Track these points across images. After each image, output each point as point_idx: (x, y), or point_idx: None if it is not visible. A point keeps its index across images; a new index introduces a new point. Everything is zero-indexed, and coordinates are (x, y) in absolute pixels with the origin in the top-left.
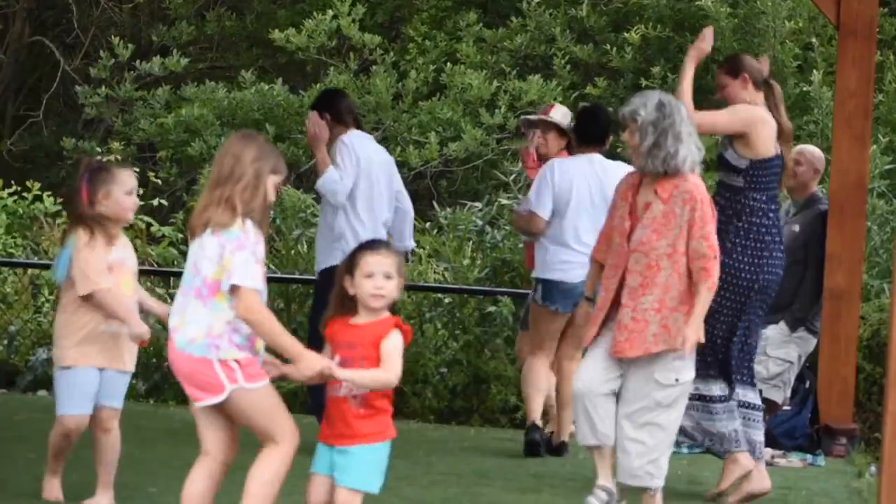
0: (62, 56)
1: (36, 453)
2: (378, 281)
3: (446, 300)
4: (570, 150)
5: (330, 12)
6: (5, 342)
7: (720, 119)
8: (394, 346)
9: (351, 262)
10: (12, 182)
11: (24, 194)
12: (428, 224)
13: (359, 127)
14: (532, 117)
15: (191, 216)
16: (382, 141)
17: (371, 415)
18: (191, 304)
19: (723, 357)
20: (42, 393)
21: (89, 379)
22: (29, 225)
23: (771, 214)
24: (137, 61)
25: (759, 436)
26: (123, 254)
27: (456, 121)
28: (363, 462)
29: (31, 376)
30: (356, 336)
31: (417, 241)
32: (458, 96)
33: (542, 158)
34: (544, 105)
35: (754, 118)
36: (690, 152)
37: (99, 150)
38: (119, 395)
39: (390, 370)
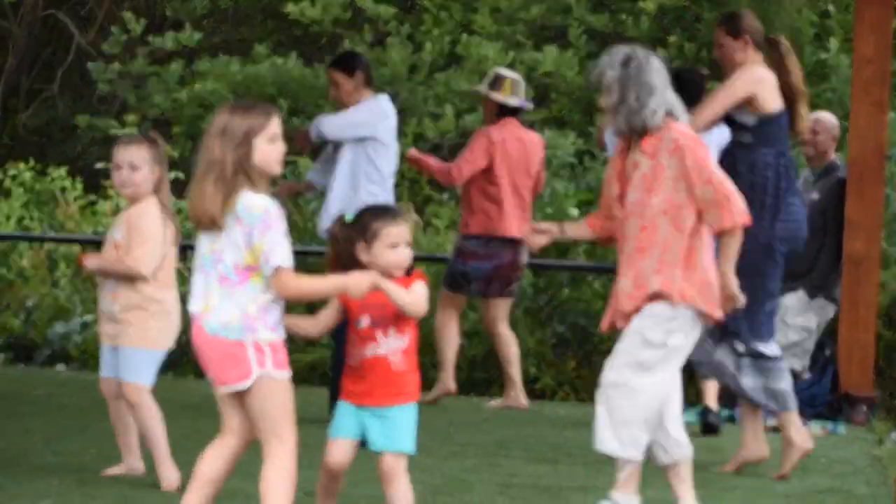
0: (76, 29)
1: (54, 426)
2: (403, 251)
3: None
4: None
5: None
6: (22, 317)
7: (720, 103)
8: (422, 287)
9: (367, 231)
10: (29, 158)
11: (45, 171)
12: (446, 195)
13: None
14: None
15: (192, 204)
16: (399, 113)
17: (411, 370)
18: (215, 288)
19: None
20: (60, 367)
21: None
22: (45, 200)
23: (781, 170)
24: (150, 36)
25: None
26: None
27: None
28: (405, 423)
29: (49, 351)
30: (384, 296)
31: (435, 213)
32: (474, 67)
33: None
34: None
35: (751, 81)
36: (665, 102)
37: (116, 124)
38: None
39: (405, 298)
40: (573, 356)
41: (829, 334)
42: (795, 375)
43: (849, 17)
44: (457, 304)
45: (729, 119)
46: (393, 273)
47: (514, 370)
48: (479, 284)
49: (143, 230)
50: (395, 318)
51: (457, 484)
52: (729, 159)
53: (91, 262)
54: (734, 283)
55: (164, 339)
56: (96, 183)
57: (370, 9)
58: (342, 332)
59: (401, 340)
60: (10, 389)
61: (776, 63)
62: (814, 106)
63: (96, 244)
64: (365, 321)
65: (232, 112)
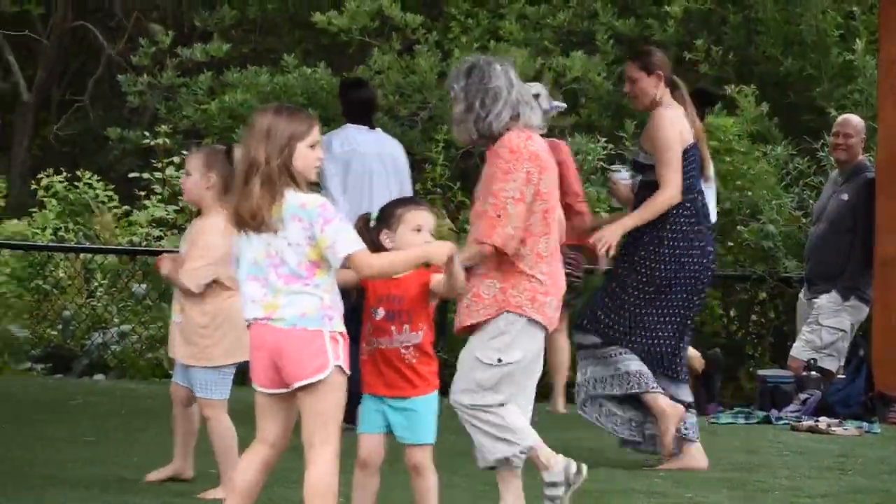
0: (105, 40)
1: (94, 436)
2: (427, 235)
3: None
4: None
5: None
6: (60, 327)
7: (674, 142)
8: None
9: (392, 217)
10: (62, 168)
11: (76, 182)
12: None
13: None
14: None
15: (238, 207)
16: (429, 120)
17: (425, 363)
18: (280, 290)
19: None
20: (98, 377)
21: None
22: (80, 210)
23: (688, 205)
24: (179, 48)
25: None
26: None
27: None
28: (425, 414)
29: (87, 360)
30: (401, 289)
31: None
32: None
33: None
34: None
35: (678, 119)
36: (510, 106)
37: (147, 135)
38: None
39: (459, 278)
40: None
41: (862, 335)
42: (829, 375)
43: (874, 17)
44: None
45: (635, 164)
46: None
47: (560, 378)
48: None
49: (199, 245)
50: (410, 312)
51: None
52: (641, 197)
53: (164, 266)
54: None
55: (237, 353)
56: (130, 193)
57: (398, 17)
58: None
59: (414, 335)
60: (50, 399)
61: (679, 101)
62: (841, 107)
63: (131, 254)
64: (380, 313)
65: (276, 115)
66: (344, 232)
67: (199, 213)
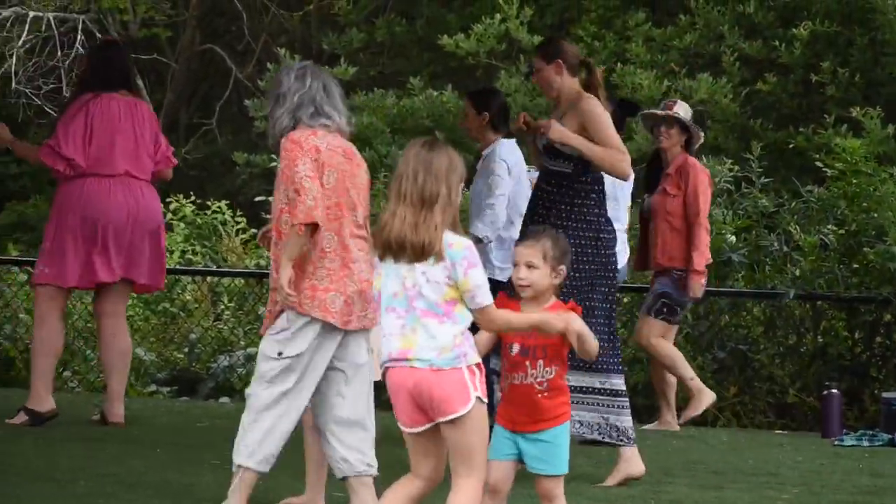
0: (233, 63)
1: (220, 459)
2: (520, 271)
3: (625, 299)
4: (690, 146)
5: (498, 16)
6: (186, 350)
7: (611, 130)
8: (582, 324)
9: None
10: (191, 192)
11: (205, 206)
12: None
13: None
14: (658, 112)
15: (384, 231)
16: None
17: (557, 396)
18: (418, 324)
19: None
20: (224, 400)
21: None
22: (208, 234)
23: (594, 196)
24: None
25: (627, 422)
26: None
27: (627, 121)
28: (557, 446)
29: (213, 383)
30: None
31: None
32: (628, 96)
33: (663, 153)
34: (664, 101)
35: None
36: (291, 109)
37: (274, 158)
38: None
39: (592, 345)
40: (734, 382)
41: None
42: None
43: None
44: (669, 333)
45: (545, 149)
46: (519, 293)
47: (672, 395)
48: (682, 315)
49: None
50: (545, 348)
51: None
52: (546, 189)
53: None
54: (283, 276)
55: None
56: (257, 216)
57: (525, 39)
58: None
59: (549, 371)
60: (175, 422)
61: (591, 88)
62: None
63: (258, 277)
64: (515, 348)
65: (452, 150)
66: (485, 282)
67: None
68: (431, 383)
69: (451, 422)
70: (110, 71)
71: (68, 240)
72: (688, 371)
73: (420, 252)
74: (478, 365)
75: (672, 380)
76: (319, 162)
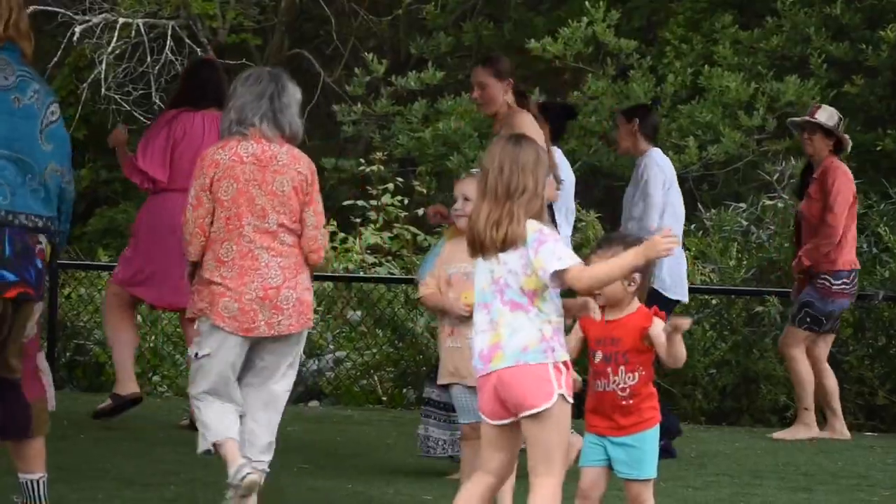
0: (321, 68)
1: (309, 464)
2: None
3: (713, 301)
4: (838, 150)
5: (585, 19)
6: None
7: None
8: (663, 329)
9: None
10: None
11: None
12: (692, 226)
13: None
14: (797, 119)
15: (474, 228)
16: None
17: (643, 401)
18: (506, 316)
19: None
20: (313, 403)
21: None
22: None
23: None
24: (393, 76)
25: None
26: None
27: (715, 124)
28: (644, 451)
29: (302, 387)
30: (619, 331)
31: (683, 243)
32: (716, 99)
33: (811, 159)
34: (811, 106)
35: (533, 123)
36: (234, 112)
37: (363, 162)
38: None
39: (680, 351)
40: None
41: None
42: None
43: None
44: (806, 341)
45: None
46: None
47: (836, 402)
48: (835, 322)
49: None
50: (626, 355)
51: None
52: None
53: (433, 298)
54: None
55: None
56: (346, 220)
57: (612, 43)
58: None
59: (631, 377)
60: None
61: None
62: None
63: (346, 281)
64: (598, 356)
65: (538, 144)
66: (552, 250)
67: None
68: (515, 378)
69: (532, 417)
70: (205, 90)
71: (144, 253)
72: (808, 399)
73: (504, 243)
74: (565, 363)
75: (831, 386)
76: (216, 178)
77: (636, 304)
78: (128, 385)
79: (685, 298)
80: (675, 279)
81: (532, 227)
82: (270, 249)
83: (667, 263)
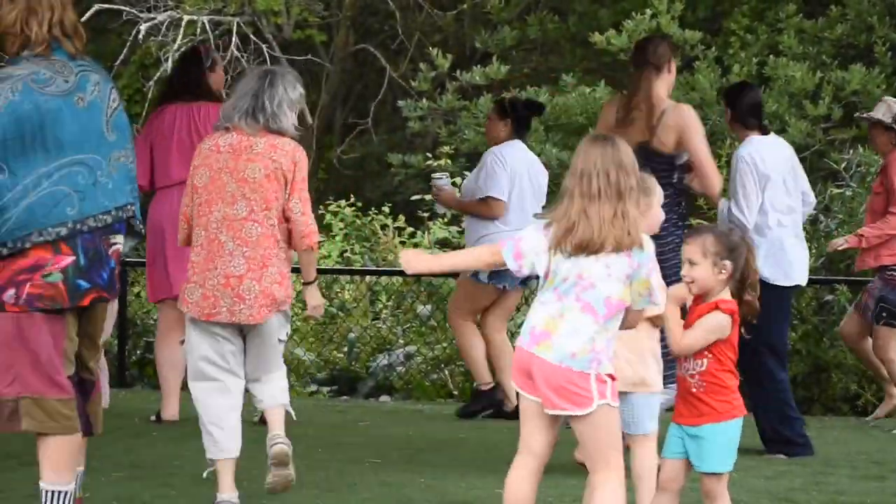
0: (387, 63)
1: (380, 458)
2: (684, 268)
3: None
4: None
5: (649, 11)
6: (345, 349)
7: None
8: (705, 320)
9: None
10: (351, 195)
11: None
12: None
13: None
14: (862, 115)
15: (576, 232)
16: (710, 137)
17: (714, 392)
18: (571, 313)
19: None
20: (384, 398)
21: None
22: (366, 234)
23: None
24: (458, 71)
25: None
26: None
27: (781, 113)
28: (714, 444)
29: (373, 382)
30: (690, 317)
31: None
32: (782, 88)
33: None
34: (878, 98)
35: None
36: (225, 109)
37: (430, 156)
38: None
39: (686, 335)
40: None
41: None
42: None
43: None
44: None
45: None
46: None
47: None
48: None
49: None
50: None
51: None
52: None
53: None
54: None
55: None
56: (413, 215)
57: (677, 34)
58: None
59: (699, 363)
60: (336, 421)
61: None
62: None
63: (415, 275)
64: None
65: (625, 142)
66: (662, 288)
67: None
68: (556, 376)
69: (577, 417)
70: (186, 82)
71: (149, 255)
72: None
73: (620, 244)
74: (609, 375)
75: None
76: (195, 166)
77: (726, 293)
78: (167, 408)
79: (790, 283)
80: (780, 268)
81: (649, 241)
82: (236, 238)
83: (763, 251)
